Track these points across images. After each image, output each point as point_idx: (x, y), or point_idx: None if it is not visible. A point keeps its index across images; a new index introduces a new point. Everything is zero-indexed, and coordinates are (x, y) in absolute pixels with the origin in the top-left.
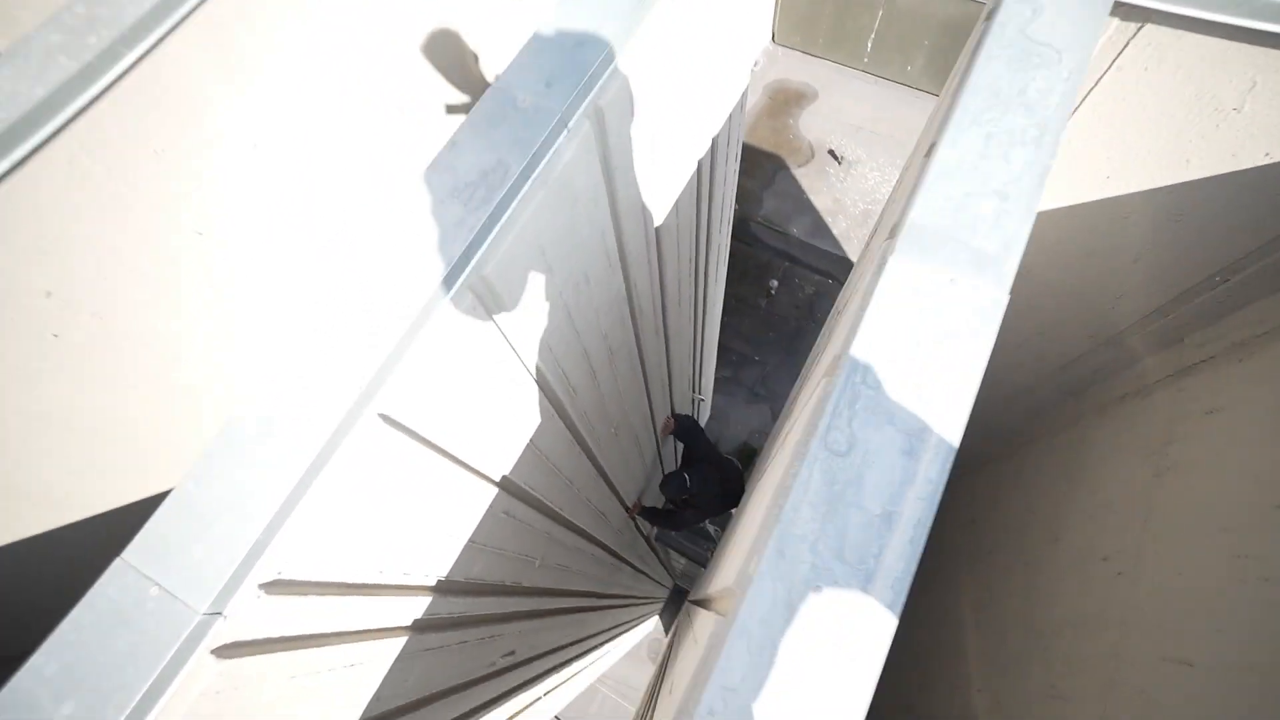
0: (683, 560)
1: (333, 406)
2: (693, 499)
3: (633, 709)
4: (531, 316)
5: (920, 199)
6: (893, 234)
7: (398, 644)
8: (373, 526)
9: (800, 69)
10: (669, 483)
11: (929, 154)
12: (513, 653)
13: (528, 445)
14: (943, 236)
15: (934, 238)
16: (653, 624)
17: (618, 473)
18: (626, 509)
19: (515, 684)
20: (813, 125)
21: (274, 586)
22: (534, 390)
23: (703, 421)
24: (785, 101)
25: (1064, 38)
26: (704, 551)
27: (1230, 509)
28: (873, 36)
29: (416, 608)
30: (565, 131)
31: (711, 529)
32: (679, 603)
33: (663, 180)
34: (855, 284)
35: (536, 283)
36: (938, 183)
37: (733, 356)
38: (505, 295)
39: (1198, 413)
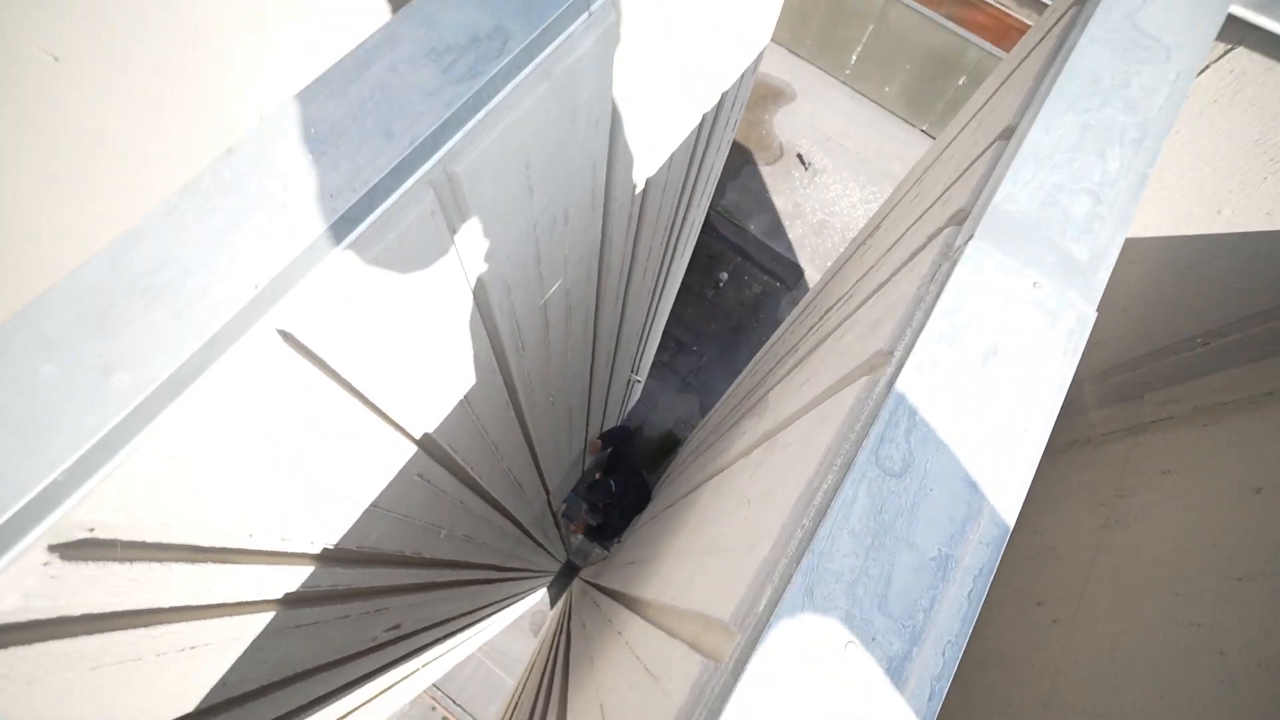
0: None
1: (212, 307)
2: (618, 502)
3: (509, 678)
4: (497, 243)
5: (1008, 183)
6: (959, 220)
7: (260, 621)
8: (248, 477)
9: (784, 67)
10: (595, 488)
11: (1011, 136)
12: (398, 626)
13: (460, 402)
14: (1029, 230)
15: (1020, 230)
16: (539, 596)
17: (545, 446)
18: (560, 527)
19: (395, 658)
20: (786, 126)
21: (78, 550)
22: (481, 335)
23: (632, 403)
24: (764, 96)
25: (1174, 35)
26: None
27: (1185, 573)
28: (859, 49)
29: (292, 579)
30: (587, 15)
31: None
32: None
33: (666, 125)
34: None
35: (512, 202)
36: (1026, 167)
37: (671, 343)
38: (472, 206)
39: (1153, 471)
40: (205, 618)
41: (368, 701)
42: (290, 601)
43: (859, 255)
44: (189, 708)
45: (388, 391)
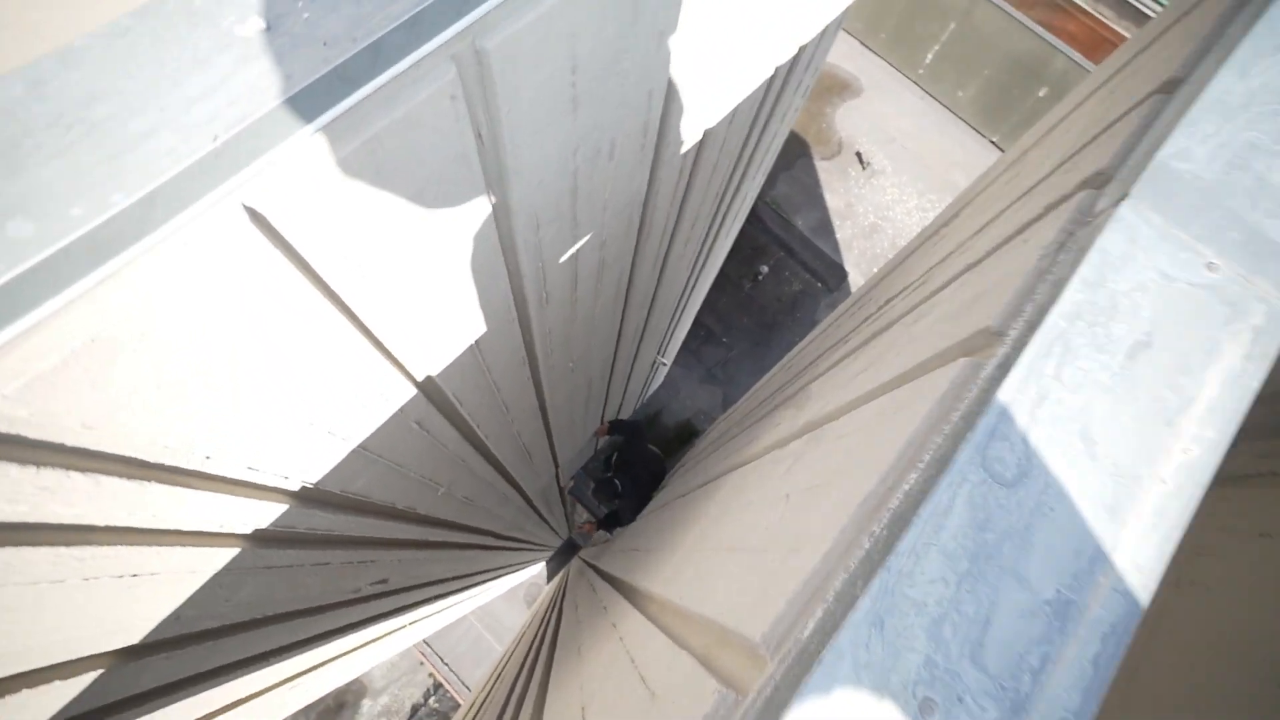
0: (584, 516)
1: (156, 156)
2: (624, 500)
3: (498, 645)
4: (528, 160)
5: (1180, 136)
6: (1098, 183)
7: (221, 556)
8: (201, 387)
9: (853, 59)
10: (602, 489)
11: (1177, 89)
12: (385, 581)
13: (470, 348)
14: (1205, 197)
15: (1193, 195)
16: (537, 569)
17: (560, 416)
18: (565, 503)
19: (381, 612)
20: (848, 121)
21: None
22: (501, 274)
23: (654, 387)
24: (828, 88)
25: None
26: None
27: (1268, 659)
28: (936, 48)
29: (261, 515)
30: None
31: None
32: (569, 554)
33: (736, 67)
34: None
35: (551, 111)
36: (1208, 119)
37: (701, 331)
38: (503, 100)
39: (1248, 531)
40: (149, 544)
41: (350, 651)
42: (260, 540)
43: (929, 246)
44: (134, 639)
45: (384, 314)
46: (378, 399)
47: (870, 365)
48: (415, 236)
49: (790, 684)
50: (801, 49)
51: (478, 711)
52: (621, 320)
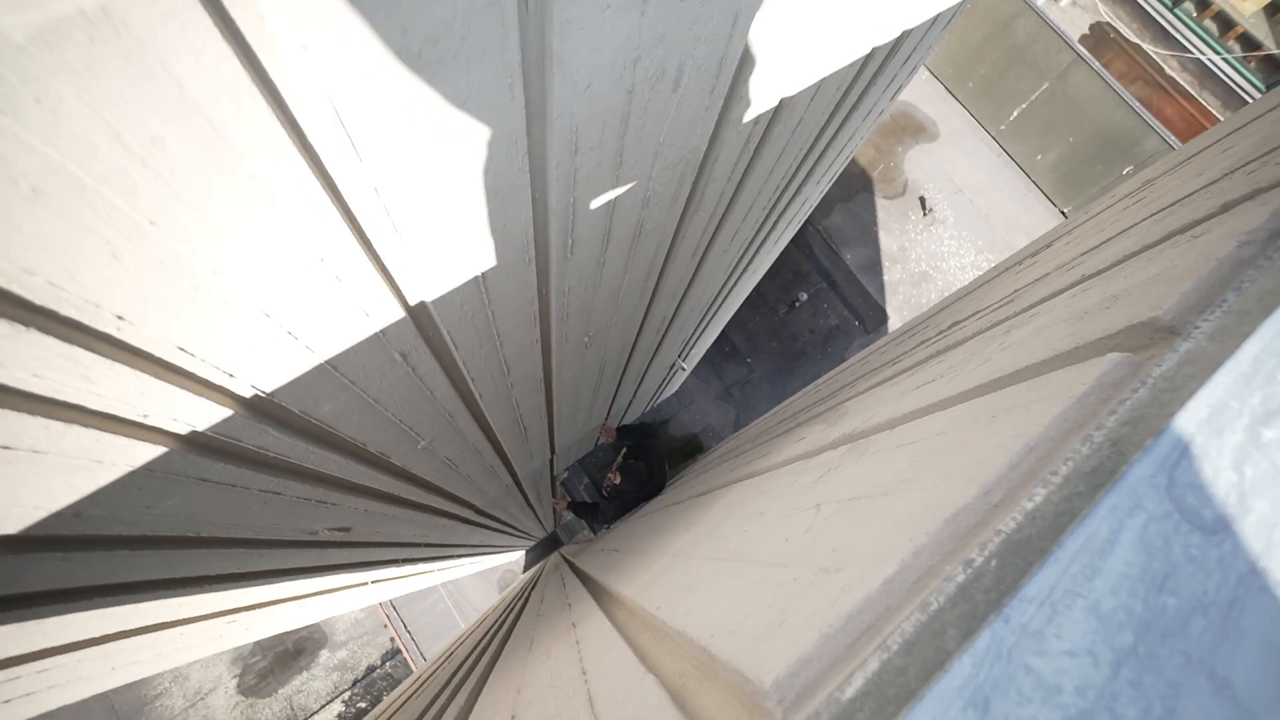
0: (571, 515)
1: None
2: (618, 493)
3: (462, 624)
4: (579, 45)
5: None
6: None
7: (143, 451)
8: (103, 216)
9: (934, 103)
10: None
11: None
12: (347, 530)
13: (475, 281)
14: None
15: None
16: (515, 556)
17: (565, 395)
18: (556, 494)
19: (340, 562)
20: (918, 164)
21: None
22: (525, 196)
23: (668, 393)
24: (904, 127)
25: None
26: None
27: None
28: (1023, 106)
29: (197, 413)
30: None
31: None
32: (550, 548)
33: (833, 37)
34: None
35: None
36: None
37: (726, 346)
38: None
39: None
40: (36, 414)
41: (302, 596)
42: (194, 445)
43: (1006, 277)
44: (11, 529)
45: (376, 206)
46: (355, 311)
47: (940, 377)
48: (424, 113)
49: None
50: (905, 34)
51: (419, 687)
52: (649, 306)
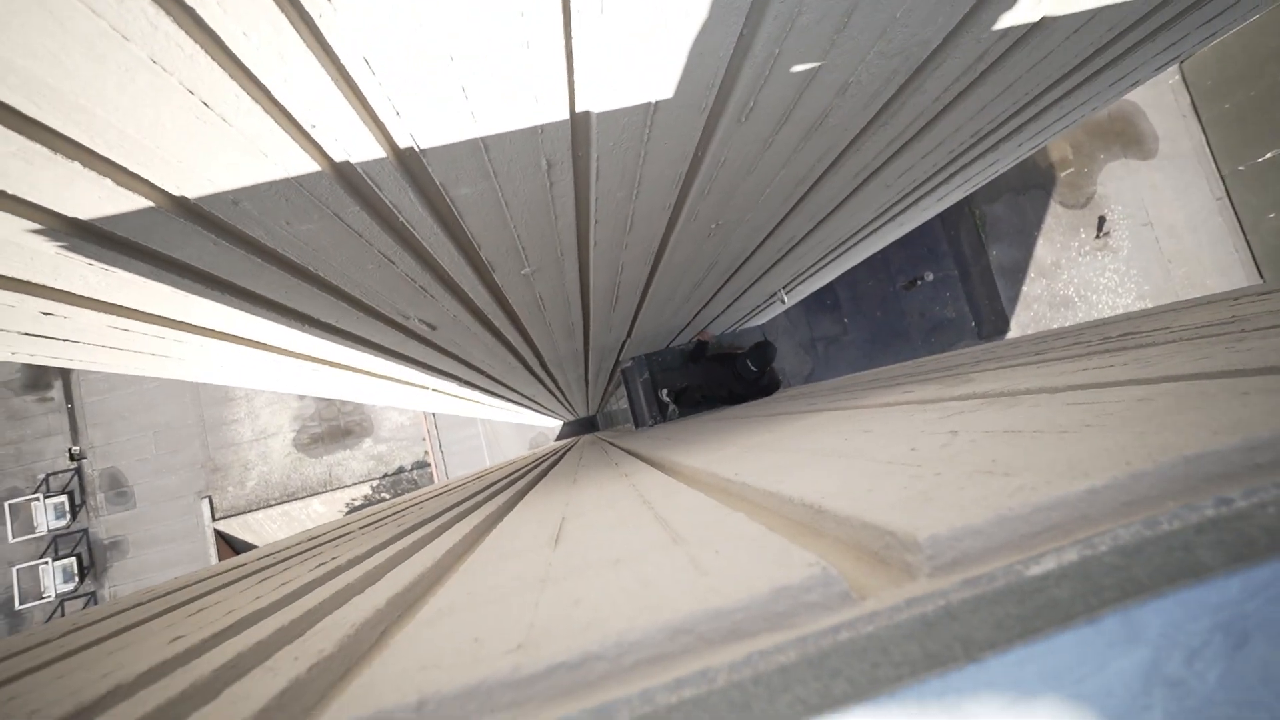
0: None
1: None
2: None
3: (490, 462)
4: None
5: None
6: None
7: (296, 154)
8: None
9: (1169, 115)
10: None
11: None
12: (433, 328)
13: (645, 105)
14: None
15: None
16: (554, 424)
17: (666, 278)
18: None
19: (415, 356)
20: (1114, 179)
21: None
22: (734, 27)
23: (755, 322)
24: (1118, 133)
25: None
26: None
27: None
28: (1275, 153)
29: (358, 143)
30: None
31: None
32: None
33: None
34: None
35: None
36: None
37: (828, 299)
38: None
39: None
40: (231, 76)
41: (374, 374)
42: (344, 177)
43: (1205, 309)
44: (186, 192)
45: None
46: (527, 92)
47: (1125, 364)
48: None
49: (998, 623)
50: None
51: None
52: (785, 217)
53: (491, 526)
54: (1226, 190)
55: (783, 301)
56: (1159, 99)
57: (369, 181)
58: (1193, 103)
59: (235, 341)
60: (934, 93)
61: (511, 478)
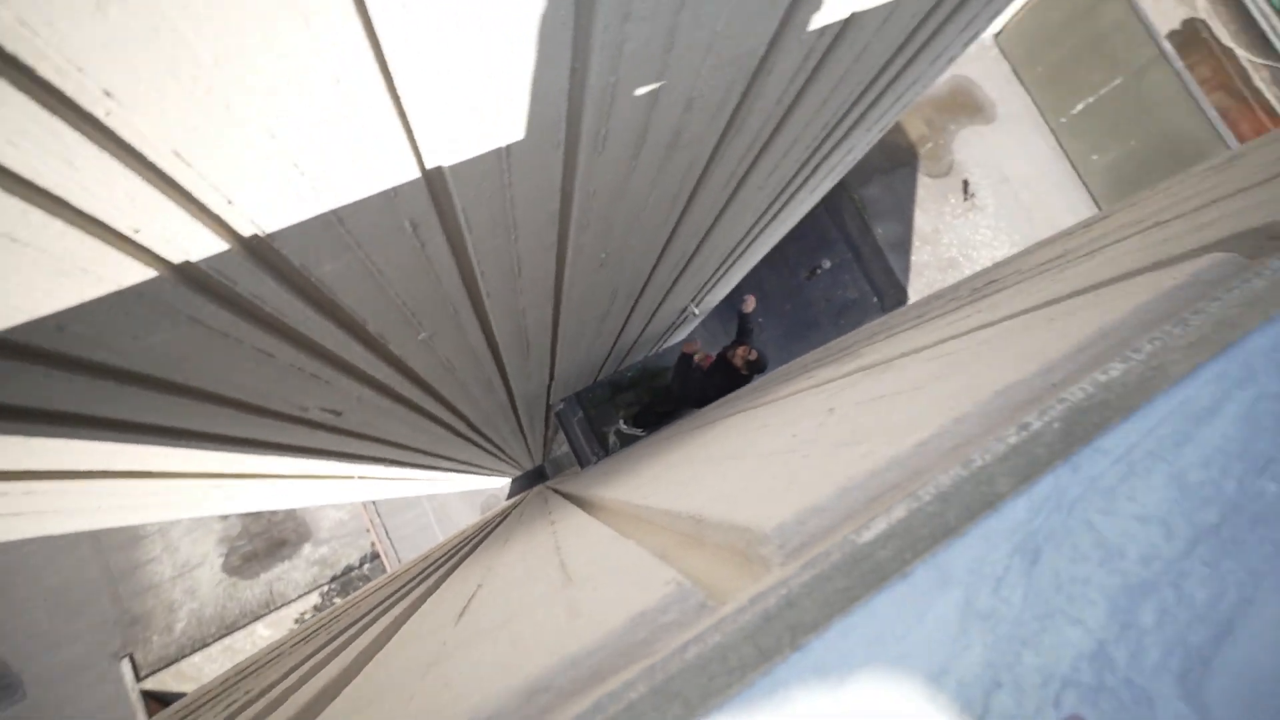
0: (563, 449)
1: None
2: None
3: (442, 536)
4: None
5: None
6: None
7: (130, 269)
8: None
9: (998, 83)
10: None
11: None
12: (338, 414)
13: (498, 153)
14: None
15: None
16: (502, 483)
17: (570, 314)
18: (549, 426)
19: (327, 448)
20: (968, 146)
21: None
22: (564, 61)
23: (675, 339)
24: (961, 105)
25: None
26: (591, 454)
27: None
28: (1090, 100)
29: (194, 240)
30: None
31: (612, 439)
32: (535, 480)
33: None
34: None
35: None
36: None
37: (738, 301)
38: None
39: None
40: (7, 190)
41: (287, 475)
42: (190, 278)
43: (1048, 248)
44: None
45: (399, 11)
46: (368, 158)
47: (980, 312)
48: None
49: (826, 600)
50: None
51: (391, 581)
52: (670, 236)
53: (413, 611)
54: (1058, 141)
55: (695, 314)
56: (986, 69)
57: (219, 277)
58: (1013, 69)
59: (112, 477)
60: (774, 95)
61: (451, 552)
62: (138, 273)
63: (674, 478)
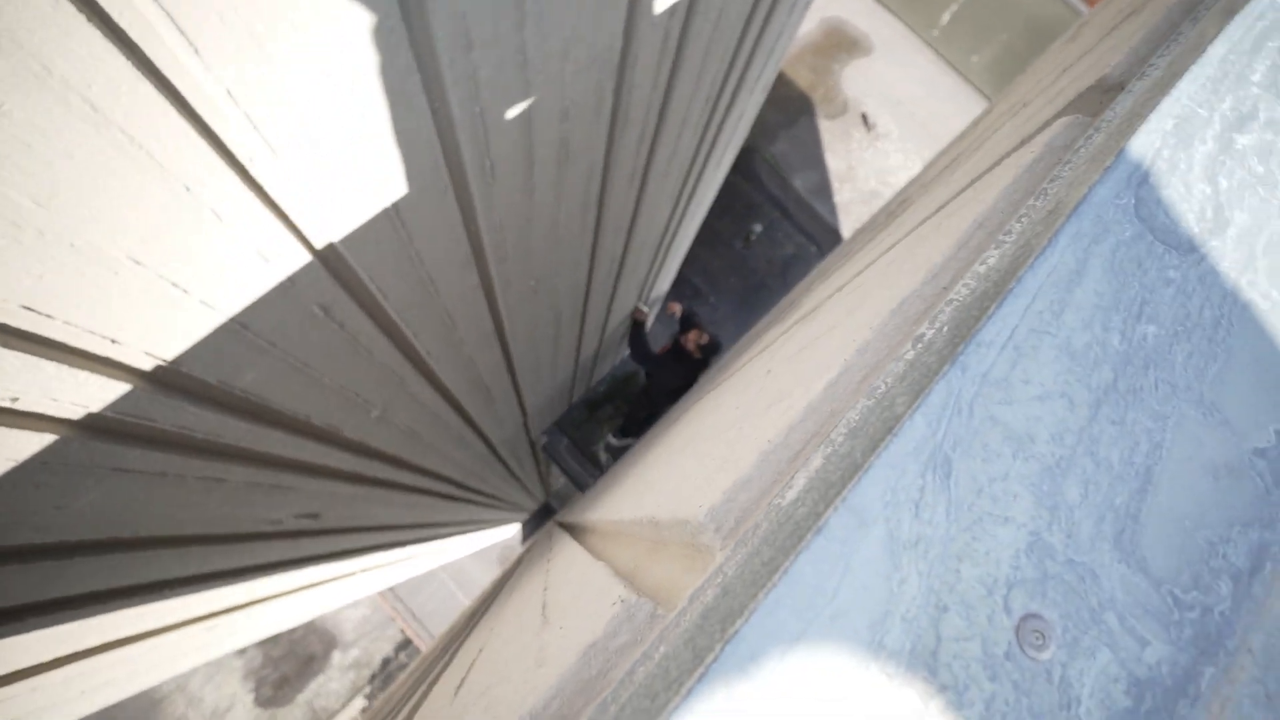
0: (562, 479)
1: None
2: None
3: (468, 601)
4: None
5: None
6: None
7: (24, 442)
8: None
9: (865, 16)
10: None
11: None
12: (315, 516)
13: (388, 214)
14: None
15: None
16: (512, 531)
17: (523, 349)
18: (540, 462)
19: (316, 552)
20: (856, 81)
21: None
22: (421, 104)
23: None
24: (837, 45)
25: None
26: (589, 476)
27: None
28: (954, 8)
29: (85, 392)
30: None
31: (604, 456)
32: (545, 518)
33: None
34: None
35: None
36: None
37: (687, 289)
38: None
39: None
40: None
41: (285, 593)
42: (97, 430)
43: (948, 154)
44: None
45: (228, 107)
46: (250, 256)
47: (890, 235)
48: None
49: (753, 578)
50: None
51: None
52: (594, 244)
53: (427, 695)
54: (936, 53)
55: (648, 313)
56: (848, 5)
57: (132, 419)
58: None
59: (88, 656)
60: (647, 84)
61: (471, 619)
62: (32, 442)
63: (643, 482)
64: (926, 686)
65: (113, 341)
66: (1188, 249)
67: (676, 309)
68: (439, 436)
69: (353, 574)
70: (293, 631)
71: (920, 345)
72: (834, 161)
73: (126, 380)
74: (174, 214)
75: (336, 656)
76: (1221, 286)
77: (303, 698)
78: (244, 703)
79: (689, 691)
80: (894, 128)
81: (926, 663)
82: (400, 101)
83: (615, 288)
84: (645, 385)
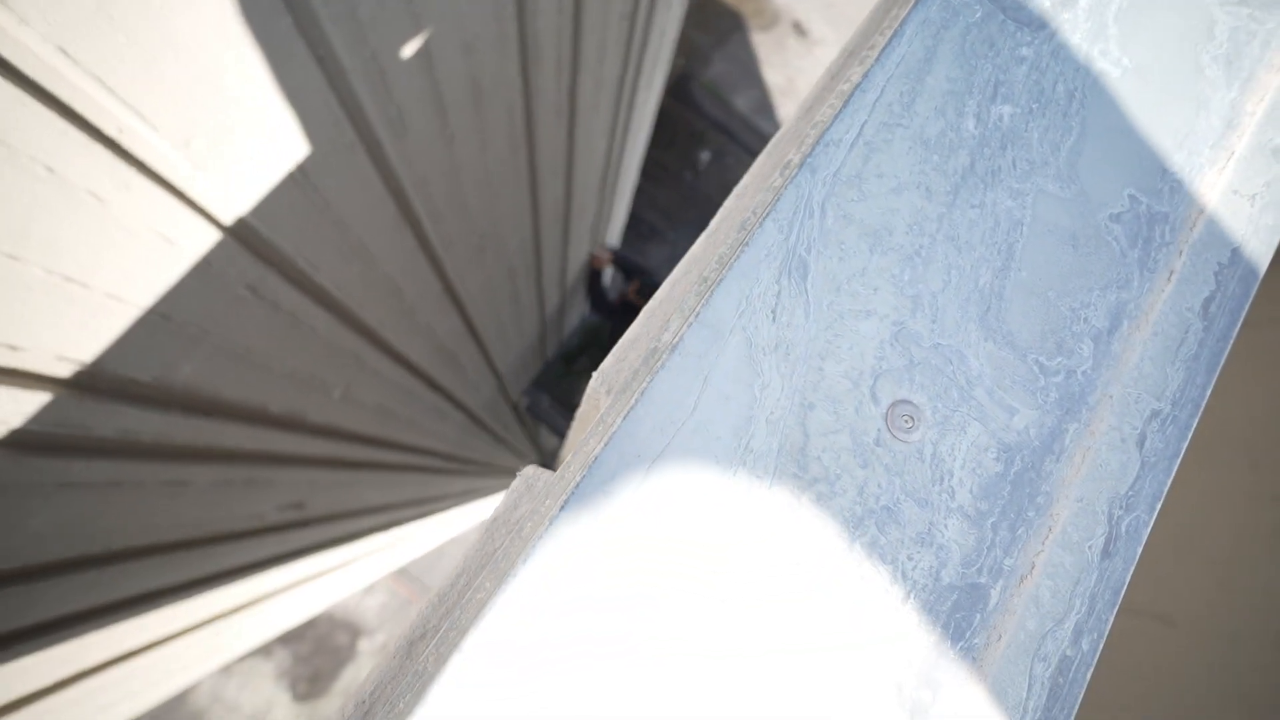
0: (556, 440)
1: None
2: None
3: None
4: None
5: None
6: None
7: None
8: None
9: None
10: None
11: None
12: (300, 506)
13: (293, 178)
14: None
15: None
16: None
17: (482, 309)
18: (526, 424)
19: (313, 542)
20: None
21: None
22: (308, 63)
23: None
24: None
25: None
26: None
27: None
28: None
29: (9, 408)
30: None
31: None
32: None
33: None
34: None
35: None
36: None
37: (643, 228)
38: None
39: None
40: None
41: (286, 588)
42: (26, 446)
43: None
44: None
45: (67, 67)
46: (152, 240)
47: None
48: None
49: (617, 414)
50: None
51: None
52: (534, 189)
53: None
54: None
55: (602, 257)
56: None
57: (64, 430)
58: None
59: (89, 676)
60: (551, 7)
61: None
62: None
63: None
64: (797, 482)
65: (12, 349)
66: (1039, 25)
67: (601, 260)
68: (414, 410)
69: (356, 559)
70: (316, 628)
71: (788, 171)
72: (773, 76)
73: (43, 389)
74: (41, 199)
75: (364, 644)
76: (1074, 59)
77: (338, 687)
78: (281, 702)
79: (551, 520)
80: (829, 31)
81: (795, 459)
82: (277, 50)
83: (566, 234)
84: (613, 332)
